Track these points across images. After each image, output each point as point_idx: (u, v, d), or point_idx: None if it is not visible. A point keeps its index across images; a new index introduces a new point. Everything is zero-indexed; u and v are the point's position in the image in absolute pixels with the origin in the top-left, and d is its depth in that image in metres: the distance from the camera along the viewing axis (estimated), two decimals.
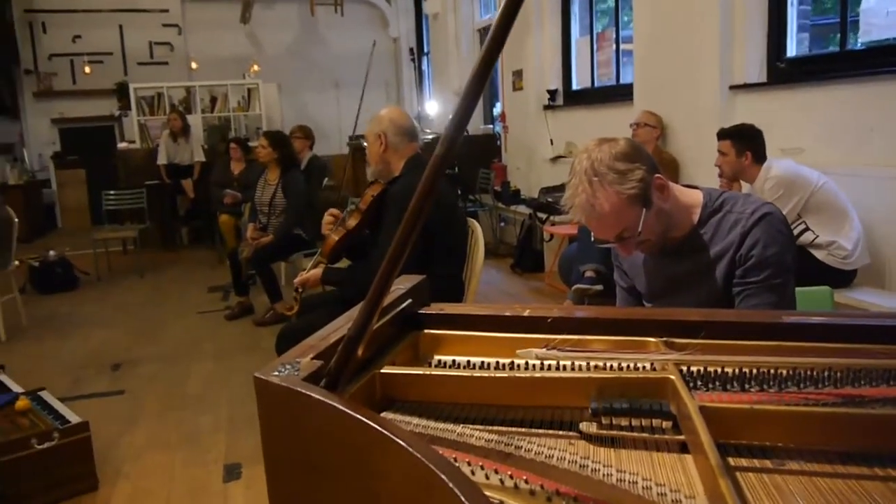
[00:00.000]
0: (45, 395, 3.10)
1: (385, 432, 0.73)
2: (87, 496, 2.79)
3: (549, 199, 6.27)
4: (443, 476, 0.63)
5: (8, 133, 10.65)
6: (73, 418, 2.85)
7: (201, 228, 8.52)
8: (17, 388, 3.23)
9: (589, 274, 4.41)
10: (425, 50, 11.34)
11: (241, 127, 10.01)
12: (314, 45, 11.49)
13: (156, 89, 9.56)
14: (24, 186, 9.61)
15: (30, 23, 10.50)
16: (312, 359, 0.98)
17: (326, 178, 6.84)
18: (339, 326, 1.17)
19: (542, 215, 6.22)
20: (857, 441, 0.93)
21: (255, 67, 10.71)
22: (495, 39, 0.79)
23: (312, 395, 0.84)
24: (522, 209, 6.77)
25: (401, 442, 0.71)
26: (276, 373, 0.93)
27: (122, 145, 9.50)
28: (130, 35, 10.84)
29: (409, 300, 1.34)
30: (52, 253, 6.59)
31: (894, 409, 1.00)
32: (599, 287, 4.36)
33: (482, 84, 0.81)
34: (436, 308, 1.39)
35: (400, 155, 2.85)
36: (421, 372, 1.15)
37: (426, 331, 1.34)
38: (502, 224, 7.59)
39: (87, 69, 10.55)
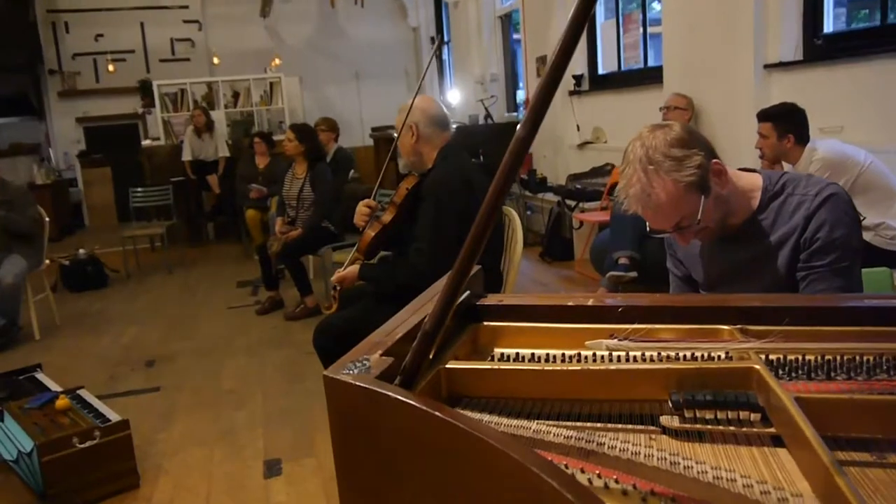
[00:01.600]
0: (83, 393, 3.10)
1: (478, 434, 0.69)
2: (129, 493, 2.79)
3: (578, 186, 6.20)
4: (553, 482, 0.58)
5: (34, 133, 10.75)
6: (113, 416, 2.84)
7: (227, 224, 8.54)
8: (55, 387, 3.24)
9: (623, 261, 4.33)
10: (446, 38, 11.25)
11: (264, 121, 10.02)
12: (334, 37, 11.44)
13: (178, 86, 9.58)
14: (52, 185, 9.69)
15: (53, 23, 10.56)
16: (381, 355, 0.94)
17: (353, 170, 6.81)
18: (403, 321, 1.13)
19: (571, 202, 6.15)
20: None
21: (277, 61, 10.69)
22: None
23: (391, 394, 0.80)
24: (550, 197, 6.70)
25: (498, 445, 0.66)
26: (347, 371, 0.89)
27: (146, 142, 9.54)
28: (152, 32, 10.86)
29: (468, 292, 1.29)
30: (81, 251, 6.63)
31: None
32: (634, 274, 4.29)
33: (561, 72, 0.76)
34: (494, 299, 1.35)
35: (432, 145, 2.79)
36: (490, 367, 1.10)
37: (485, 323, 1.29)
38: (529, 212, 7.51)
39: (111, 67, 10.58)
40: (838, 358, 1.07)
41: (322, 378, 0.90)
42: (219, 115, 9.15)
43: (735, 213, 1.66)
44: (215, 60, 10.93)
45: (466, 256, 0.82)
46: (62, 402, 2.90)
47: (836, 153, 3.29)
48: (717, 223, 1.64)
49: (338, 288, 2.92)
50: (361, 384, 0.84)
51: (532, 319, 1.27)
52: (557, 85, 0.76)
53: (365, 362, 0.91)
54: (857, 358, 1.06)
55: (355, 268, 2.86)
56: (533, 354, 1.19)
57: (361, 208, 2.88)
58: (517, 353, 1.21)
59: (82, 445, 2.65)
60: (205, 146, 8.30)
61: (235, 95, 10.01)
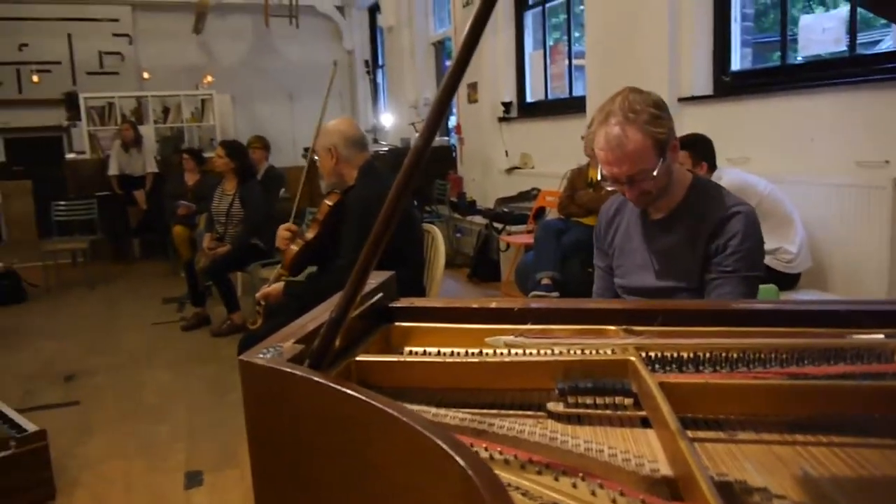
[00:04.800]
0: None
1: (374, 403, 0.78)
2: None
3: (505, 210, 6.38)
4: (437, 439, 0.68)
5: None
6: (30, 427, 2.81)
7: (154, 240, 8.40)
8: None
9: (545, 281, 4.50)
10: (380, 62, 11.40)
11: (195, 138, 9.93)
12: (268, 56, 11.44)
13: (106, 99, 9.43)
14: None
15: None
16: (294, 343, 1.03)
17: (283, 189, 6.84)
18: (315, 317, 1.21)
19: (499, 225, 6.32)
20: (801, 410, 1.01)
21: (209, 78, 10.63)
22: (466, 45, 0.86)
23: (298, 373, 0.89)
24: (479, 219, 6.86)
25: (390, 410, 0.76)
26: (261, 355, 0.97)
27: (70, 156, 9.33)
28: (79, 44, 10.64)
29: (381, 294, 1.39)
30: None
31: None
32: (556, 294, 4.45)
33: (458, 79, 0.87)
34: (405, 302, 1.44)
35: (352, 165, 2.89)
36: (395, 359, 1.20)
37: (397, 324, 1.39)
38: (458, 235, 7.66)
39: (35, 78, 10.32)
40: (707, 354, 1.20)
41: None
42: (148, 131, 9.05)
43: (671, 193, 1.84)
44: (145, 75, 10.81)
45: (370, 249, 0.92)
46: None
47: (738, 181, 3.52)
48: (660, 191, 1.81)
49: (263, 304, 2.98)
50: (273, 366, 0.92)
51: (440, 320, 1.37)
52: (450, 100, 0.87)
53: (278, 348, 1.00)
54: (723, 354, 1.20)
55: (280, 284, 2.93)
56: (439, 351, 1.30)
57: (282, 232, 2.96)
58: (424, 350, 1.31)
59: None
60: (132, 161, 8.19)
61: (165, 111, 9.90)
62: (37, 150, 10.38)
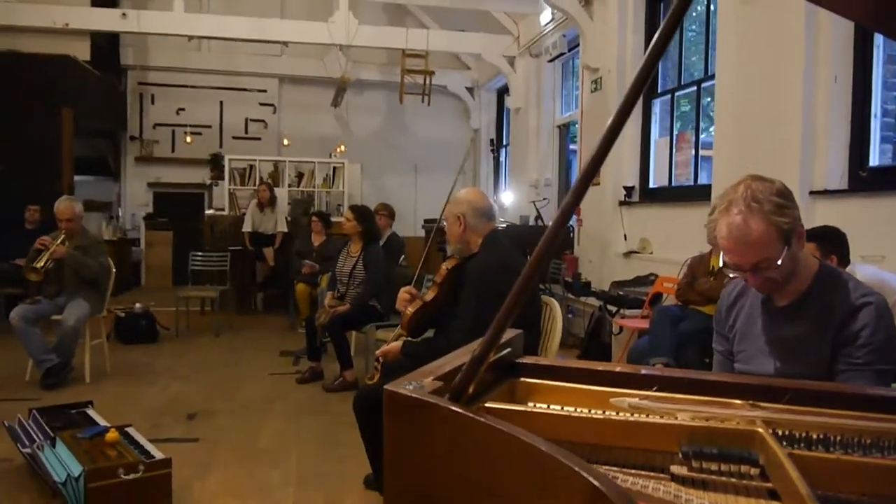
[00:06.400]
0: (131, 430, 3.29)
1: (513, 433, 0.84)
2: None
3: (621, 293, 6.31)
4: (574, 466, 0.73)
5: (108, 192, 11.41)
6: (158, 454, 3.01)
7: (276, 296, 8.82)
8: (105, 423, 3.42)
9: (659, 367, 4.41)
10: (504, 142, 11.71)
11: (323, 202, 10.46)
12: (398, 130, 12.06)
13: (248, 162, 10.15)
14: (117, 242, 10.13)
15: (140, 94, 11.40)
16: (433, 380, 1.10)
17: (403, 256, 7.07)
18: (448, 361, 1.29)
19: (613, 308, 6.25)
20: None
21: (342, 148, 11.25)
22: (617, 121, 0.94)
23: (441, 404, 0.96)
24: (592, 301, 6.81)
25: (529, 440, 0.81)
26: (405, 387, 1.05)
27: (209, 211, 10.03)
28: (229, 111, 11.63)
29: (509, 349, 1.45)
30: (138, 305, 6.95)
31: None
32: None
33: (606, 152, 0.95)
34: (531, 359, 1.50)
35: (478, 233, 3.00)
36: (522, 408, 1.25)
37: (522, 379, 1.44)
38: (570, 315, 7.62)
39: (188, 139, 11.31)
40: (839, 437, 1.19)
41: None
42: (282, 193, 9.63)
43: (797, 280, 1.81)
44: (285, 142, 11.61)
45: (512, 301, 0.99)
46: (112, 435, 3.08)
47: (874, 278, 3.37)
48: (785, 278, 1.78)
49: (381, 361, 3.09)
50: (418, 396, 1.00)
51: (564, 379, 1.42)
52: (589, 184, 0.94)
53: (420, 382, 1.07)
54: (856, 438, 1.18)
55: (398, 343, 3.04)
56: (562, 408, 1.34)
57: (402, 294, 3.11)
58: (548, 406, 1.35)
59: (126, 477, 2.81)
60: (265, 220, 8.71)
61: (299, 175, 10.52)
62: (181, 205, 11.27)
